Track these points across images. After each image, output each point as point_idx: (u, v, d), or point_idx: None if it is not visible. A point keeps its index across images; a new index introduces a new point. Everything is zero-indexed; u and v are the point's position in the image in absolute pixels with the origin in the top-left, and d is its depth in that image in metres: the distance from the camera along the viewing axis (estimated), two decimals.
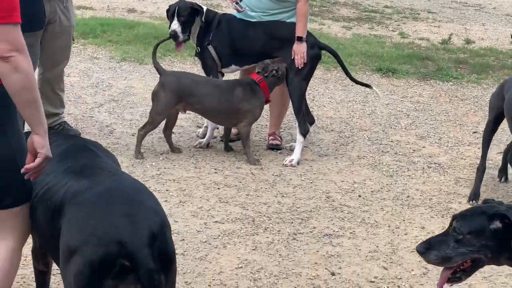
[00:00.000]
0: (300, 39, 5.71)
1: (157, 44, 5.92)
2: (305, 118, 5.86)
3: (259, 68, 5.69)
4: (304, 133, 5.81)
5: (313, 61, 5.84)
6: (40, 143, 2.72)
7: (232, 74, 6.50)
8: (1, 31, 2.61)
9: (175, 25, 5.80)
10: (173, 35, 5.81)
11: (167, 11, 5.98)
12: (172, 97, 5.55)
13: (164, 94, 5.54)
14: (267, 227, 4.63)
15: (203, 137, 5.96)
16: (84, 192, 2.70)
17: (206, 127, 6.00)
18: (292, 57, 5.72)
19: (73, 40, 5.85)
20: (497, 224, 2.77)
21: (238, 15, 5.93)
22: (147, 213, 2.66)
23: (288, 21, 5.84)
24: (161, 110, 5.58)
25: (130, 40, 8.88)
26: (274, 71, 5.64)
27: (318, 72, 7.91)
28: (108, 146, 5.58)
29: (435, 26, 11.46)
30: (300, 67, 5.71)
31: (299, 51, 5.71)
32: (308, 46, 5.74)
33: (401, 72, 8.56)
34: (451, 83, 8.36)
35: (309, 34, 5.84)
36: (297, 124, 5.85)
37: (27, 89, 2.65)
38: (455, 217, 2.87)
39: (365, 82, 6.56)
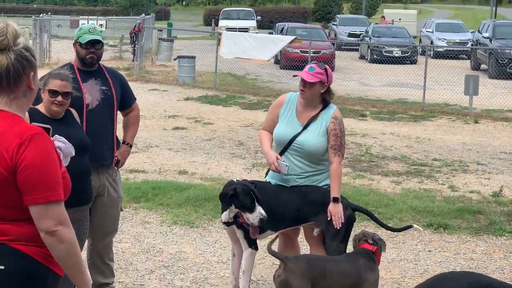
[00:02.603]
0: (336, 199, 5.68)
1: (275, 237, 5.77)
2: None
3: (370, 240, 5.51)
4: None
5: (347, 223, 5.77)
6: None
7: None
8: (46, 209, 2.95)
9: (262, 209, 5.57)
10: (265, 220, 5.60)
11: (234, 196, 5.58)
12: (306, 281, 5.26)
13: (299, 280, 5.25)
14: None
15: None
16: None
17: None
18: (329, 219, 5.69)
19: (122, 209, 5.96)
20: None
21: (274, 180, 5.95)
22: None
23: (321, 184, 5.84)
24: None
25: (181, 203, 9.00)
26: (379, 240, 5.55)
27: (369, 230, 7.86)
28: None
29: (485, 178, 11.40)
30: (338, 228, 5.65)
31: (336, 212, 5.66)
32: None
33: (453, 227, 8.46)
34: (504, 237, 8.22)
35: (341, 196, 5.82)
36: None
37: (71, 255, 3.01)
38: None
39: (404, 226, 6.60)
